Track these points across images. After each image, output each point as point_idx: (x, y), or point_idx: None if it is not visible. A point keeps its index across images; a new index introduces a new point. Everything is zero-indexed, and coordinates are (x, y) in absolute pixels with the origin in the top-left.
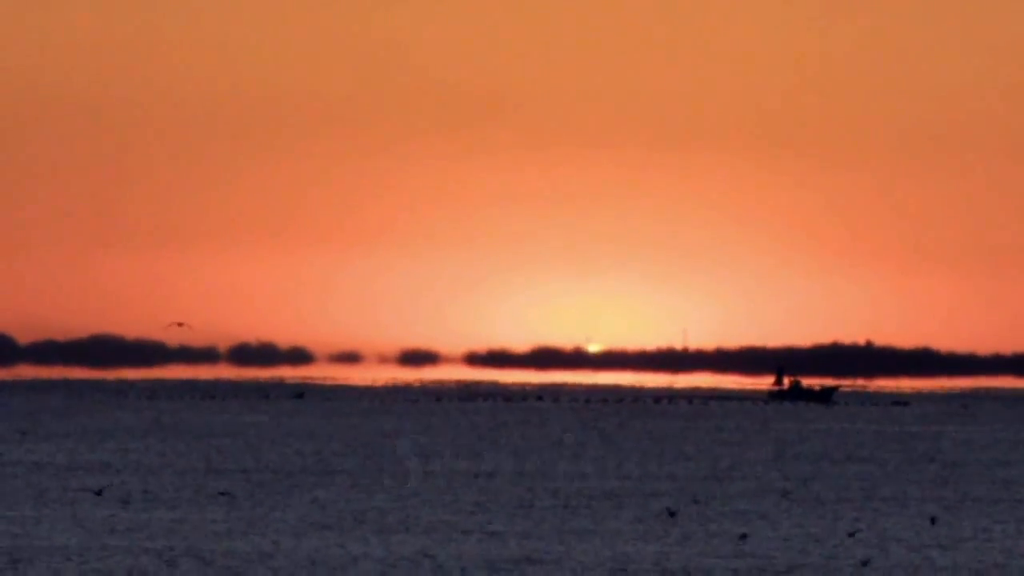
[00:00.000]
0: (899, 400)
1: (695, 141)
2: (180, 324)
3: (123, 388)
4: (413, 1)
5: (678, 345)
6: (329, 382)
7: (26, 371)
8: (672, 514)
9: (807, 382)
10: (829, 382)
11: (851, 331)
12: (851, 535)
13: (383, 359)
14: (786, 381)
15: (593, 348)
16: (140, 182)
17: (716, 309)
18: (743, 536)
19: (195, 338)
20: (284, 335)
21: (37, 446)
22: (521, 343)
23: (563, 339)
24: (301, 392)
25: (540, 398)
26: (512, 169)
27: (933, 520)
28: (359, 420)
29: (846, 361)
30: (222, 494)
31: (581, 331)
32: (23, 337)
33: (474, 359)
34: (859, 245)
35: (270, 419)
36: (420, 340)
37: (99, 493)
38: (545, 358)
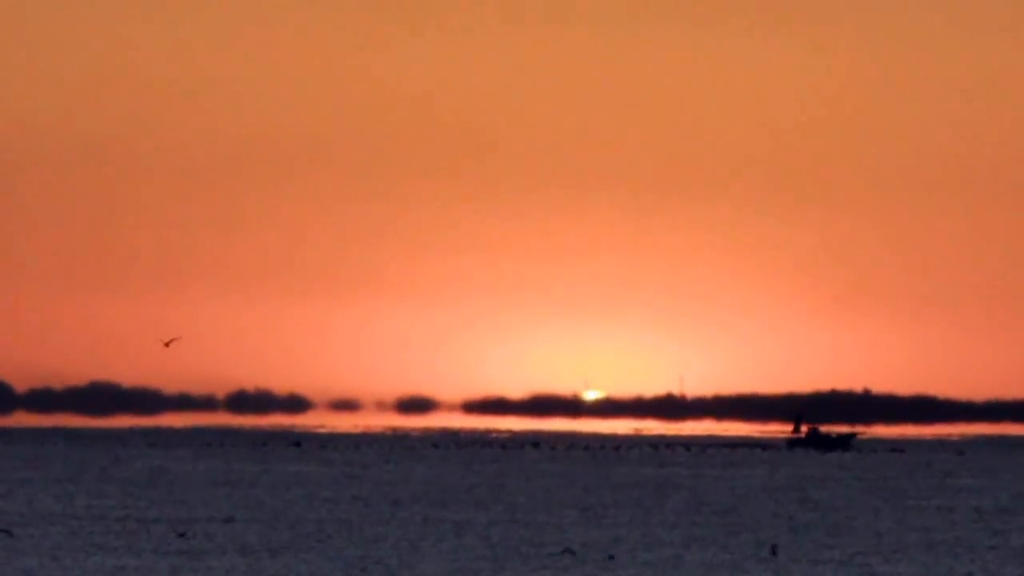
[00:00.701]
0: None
1: (692, 187)
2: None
3: (121, 436)
4: (404, 47)
5: (676, 391)
6: (327, 430)
7: (23, 419)
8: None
9: (822, 429)
10: (845, 429)
11: (849, 378)
12: None
13: (381, 406)
14: (804, 428)
15: (590, 395)
16: (135, 228)
17: (714, 356)
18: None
19: (193, 386)
20: (281, 382)
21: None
22: (517, 390)
23: (560, 386)
24: (298, 440)
25: (537, 445)
26: (508, 215)
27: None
28: (357, 469)
29: (844, 408)
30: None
31: (578, 378)
32: (20, 384)
33: (471, 407)
34: (857, 292)
35: (268, 467)
36: (417, 387)
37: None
38: (542, 405)
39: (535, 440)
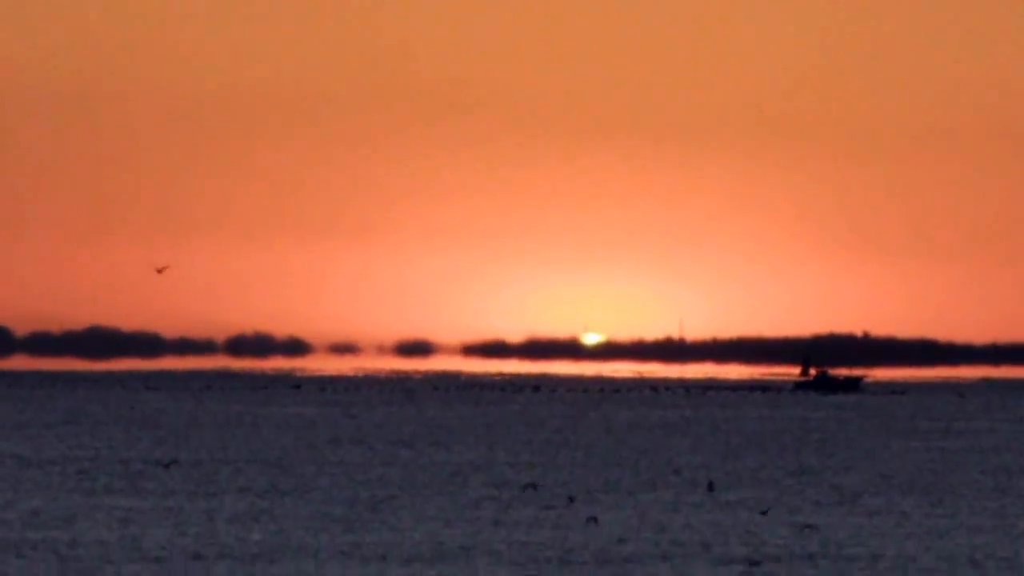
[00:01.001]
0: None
1: (692, 132)
2: (161, 271)
3: (121, 379)
4: None
5: (675, 335)
6: (326, 373)
7: (23, 362)
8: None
9: (830, 372)
10: (857, 372)
11: (849, 321)
12: None
13: (380, 350)
14: (812, 371)
15: (589, 339)
16: (135, 174)
17: (713, 299)
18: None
19: (193, 330)
20: (281, 326)
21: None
22: (517, 334)
23: (559, 330)
24: (298, 383)
25: (537, 388)
26: (508, 160)
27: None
28: (357, 410)
29: (843, 351)
30: (241, 489)
31: (577, 322)
32: (20, 328)
33: (470, 350)
34: (857, 235)
35: (268, 410)
36: (417, 331)
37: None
38: (541, 349)
39: (535, 383)
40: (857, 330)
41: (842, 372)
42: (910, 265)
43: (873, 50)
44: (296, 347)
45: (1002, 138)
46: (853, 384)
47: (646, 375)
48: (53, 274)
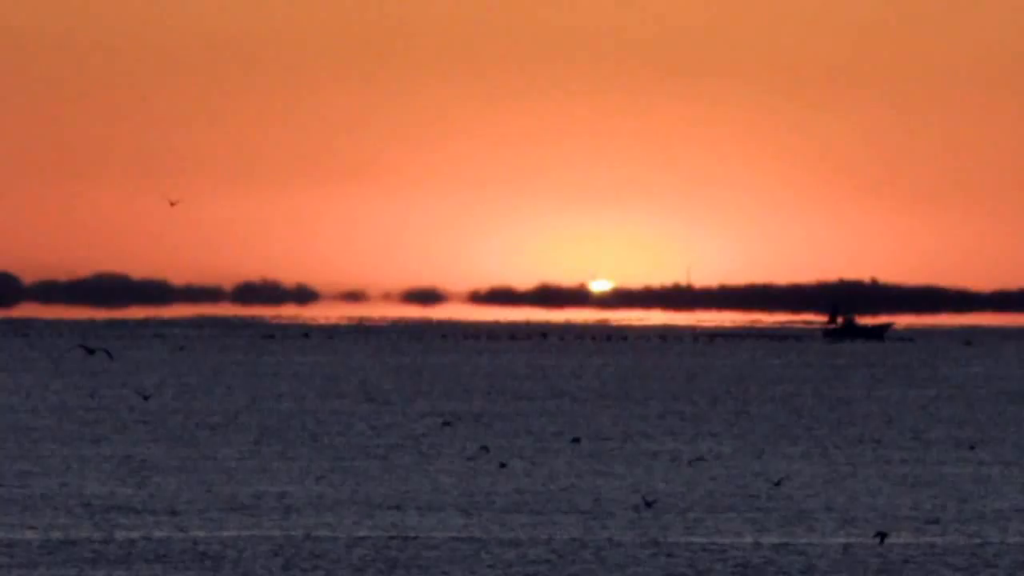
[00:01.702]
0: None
1: (700, 74)
2: (174, 204)
3: (129, 327)
4: None
5: (682, 282)
6: (334, 321)
7: (31, 310)
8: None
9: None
10: (883, 320)
11: (856, 268)
12: None
13: (388, 297)
14: (840, 319)
15: (597, 285)
16: (142, 119)
17: (721, 246)
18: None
19: (201, 277)
20: (289, 273)
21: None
22: (525, 281)
23: (567, 277)
24: (307, 332)
25: (545, 335)
26: (516, 105)
27: None
28: (365, 359)
29: (851, 298)
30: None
31: (585, 268)
32: (27, 276)
33: (478, 297)
34: (865, 182)
35: (276, 358)
36: (425, 278)
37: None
38: (549, 296)
39: (543, 330)
40: (865, 276)
41: (868, 320)
42: (919, 211)
43: None
44: (304, 295)
45: (1014, 85)
46: (879, 332)
47: (653, 322)
48: (60, 221)
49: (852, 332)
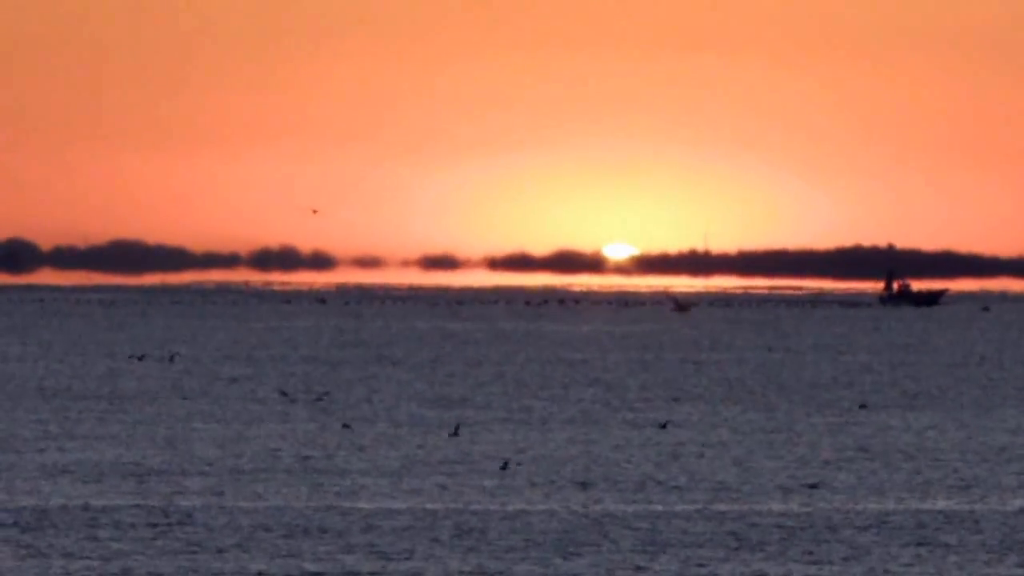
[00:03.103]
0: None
1: (720, 44)
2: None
3: (146, 293)
4: None
5: (699, 247)
6: (351, 287)
7: (48, 276)
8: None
9: (913, 286)
10: (937, 286)
11: (874, 234)
12: None
13: (405, 264)
14: (895, 285)
15: (614, 251)
16: (157, 88)
17: (738, 211)
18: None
19: (218, 243)
20: (305, 240)
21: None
22: (542, 247)
23: (584, 243)
24: (323, 298)
25: (562, 301)
26: (534, 72)
27: None
28: (383, 324)
29: (868, 264)
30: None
31: (602, 235)
32: (45, 243)
33: (495, 264)
34: (882, 147)
35: (293, 323)
36: (441, 244)
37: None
38: (566, 262)
39: (560, 296)
40: (882, 242)
41: (923, 286)
42: (936, 176)
43: None
44: (321, 261)
45: None
46: (934, 298)
47: (674, 289)
48: (78, 188)
49: (908, 298)
